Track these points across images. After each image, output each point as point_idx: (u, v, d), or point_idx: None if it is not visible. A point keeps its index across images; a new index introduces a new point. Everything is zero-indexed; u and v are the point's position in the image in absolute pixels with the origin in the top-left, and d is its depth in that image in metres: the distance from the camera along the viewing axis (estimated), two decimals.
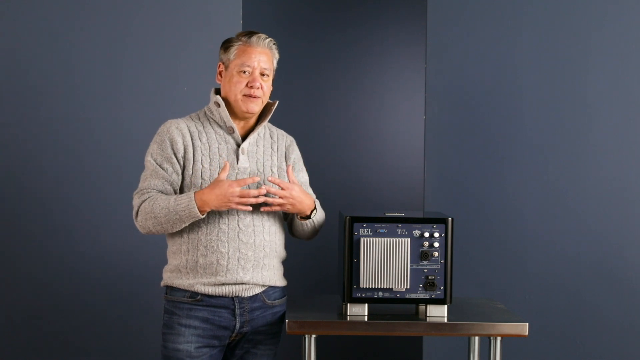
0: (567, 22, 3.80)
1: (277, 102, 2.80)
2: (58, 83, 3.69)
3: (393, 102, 3.86)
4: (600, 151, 3.78)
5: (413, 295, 2.66)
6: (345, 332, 2.66)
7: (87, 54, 3.69)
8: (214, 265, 2.64)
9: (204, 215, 2.60)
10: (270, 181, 2.65)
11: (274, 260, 2.74)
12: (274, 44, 2.75)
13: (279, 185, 2.64)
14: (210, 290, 2.65)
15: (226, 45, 2.73)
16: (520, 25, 3.82)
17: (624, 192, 3.76)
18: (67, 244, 3.68)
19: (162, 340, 2.70)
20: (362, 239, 2.64)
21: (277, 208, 2.66)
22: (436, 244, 2.66)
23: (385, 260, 2.64)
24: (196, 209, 2.57)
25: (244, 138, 2.74)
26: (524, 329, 2.63)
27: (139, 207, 2.65)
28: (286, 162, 2.80)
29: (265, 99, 2.74)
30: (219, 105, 2.71)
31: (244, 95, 2.68)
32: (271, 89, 2.77)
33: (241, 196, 2.58)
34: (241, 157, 2.70)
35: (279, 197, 2.64)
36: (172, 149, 2.67)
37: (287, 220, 2.85)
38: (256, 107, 2.70)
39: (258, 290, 2.70)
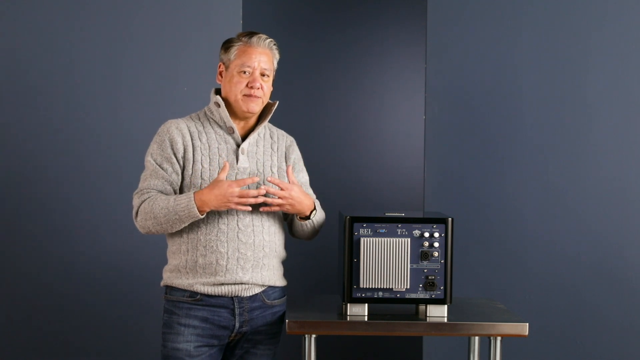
0: (567, 22, 3.80)
1: (277, 102, 2.80)
2: (58, 83, 3.69)
3: (393, 102, 3.86)
4: (600, 151, 3.78)
5: (413, 295, 2.66)
6: (345, 332, 2.65)
7: (87, 54, 3.69)
8: (213, 265, 2.64)
9: (204, 216, 2.60)
10: (269, 181, 2.65)
11: (273, 260, 2.74)
12: (274, 44, 2.75)
13: (279, 186, 2.64)
14: (209, 290, 2.65)
15: (227, 45, 2.73)
16: (520, 25, 3.82)
17: (624, 192, 3.76)
18: (67, 244, 3.68)
19: (161, 339, 2.71)
20: (362, 239, 2.64)
21: (276, 208, 2.66)
22: (436, 244, 2.66)
23: (385, 260, 2.64)
24: (195, 209, 2.57)
25: (243, 138, 2.74)
26: (524, 329, 2.63)
27: (139, 207, 2.65)
28: (286, 163, 2.80)
29: (266, 99, 2.74)
30: (219, 106, 2.71)
31: (244, 95, 2.68)
32: (271, 89, 2.77)
33: (240, 196, 2.58)
34: (241, 157, 2.70)
35: (278, 198, 2.64)
36: (172, 149, 2.67)
37: (287, 220, 2.85)
38: (256, 107, 2.70)
39: (257, 290, 2.70)
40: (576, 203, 3.79)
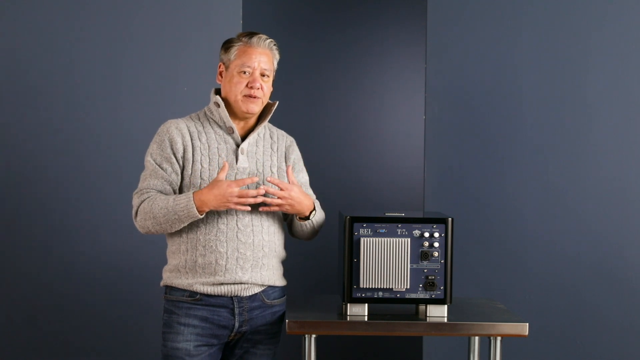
0: (567, 22, 3.80)
1: (277, 102, 2.80)
2: (58, 83, 3.69)
3: (393, 102, 3.86)
4: (600, 151, 3.78)
5: (413, 295, 2.66)
6: (345, 332, 2.65)
7: (87, 54, 3.69)
8: (212, 265, 2.64)
9: (203, 216, 2.60)
10: (269, 181, 2.65)
11: (273, 260, 2.74)
12: (274, 44, 2.75)
13: (278, 186, 2.64)
14: (209, 289, 2.65)
15: (227, 45, 2.73)
16: (520, 25, 3.82)
17: (624, 192, 3.76)
18: (67, 244, 3.68)
19: (161, 339, 2.71)
20: (362, 239, 2.64)
21: (276, 208, 2.66)
22: (436, 244, 2.66)
23: (385, 260, 2.64)
24: (195, 209, 2.57)
25: (243, 138, 2.74)
26: (524, 329, 2.63)
27: (138, 207, 2.65)
28: (286, 163, 2.81)
29: (266, 99, 2.74)
30: (218, 106, 2.71)
31: (244, 95, 2.68)
32: (271, 89, 2.77)
33: (240, 196, 2.58)
34: (240, 157, 2.70)
35: (278, 198, 2.64)
36: (172, 149, 2.67)
37: (287, 220, 2.85)
38: (256, 107, 2.70)
39: (257, 289, 2.71)
40: (576, 203, 3.79)
